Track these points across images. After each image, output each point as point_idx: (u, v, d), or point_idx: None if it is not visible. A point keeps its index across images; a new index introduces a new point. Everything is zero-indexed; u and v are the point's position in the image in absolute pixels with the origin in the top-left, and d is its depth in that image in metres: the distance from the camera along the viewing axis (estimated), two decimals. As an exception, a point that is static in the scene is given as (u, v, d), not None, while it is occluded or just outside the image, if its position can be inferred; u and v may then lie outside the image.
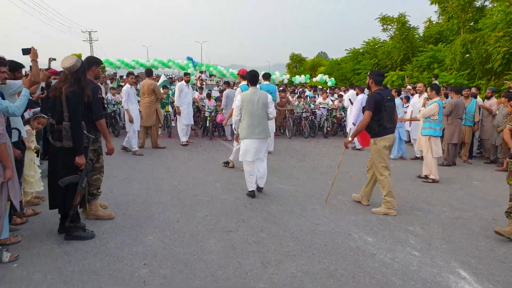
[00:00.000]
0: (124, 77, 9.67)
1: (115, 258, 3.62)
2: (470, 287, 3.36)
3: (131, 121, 8.59)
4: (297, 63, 53.63)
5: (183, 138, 10.02)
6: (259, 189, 5.83)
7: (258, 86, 6.37)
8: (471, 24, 23.15)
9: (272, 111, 5.72)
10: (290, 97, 13.51)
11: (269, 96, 5.77)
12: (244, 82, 7.30)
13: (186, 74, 9.58)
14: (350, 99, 11.01)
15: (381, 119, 4.94)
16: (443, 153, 8.11)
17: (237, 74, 7.44)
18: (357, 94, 10.40)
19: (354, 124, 9.75)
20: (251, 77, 5.72)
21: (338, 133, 13.28)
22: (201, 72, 23.35)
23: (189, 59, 18.75)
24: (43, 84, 5.85)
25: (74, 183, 3.87)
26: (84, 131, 3.92)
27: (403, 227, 4.71)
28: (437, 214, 5.28)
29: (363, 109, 5.15)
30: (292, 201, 5.56)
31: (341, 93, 14.69)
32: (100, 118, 4.38)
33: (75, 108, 3.75)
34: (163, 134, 11.52)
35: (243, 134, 5.61)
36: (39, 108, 5.31)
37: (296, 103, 12.95)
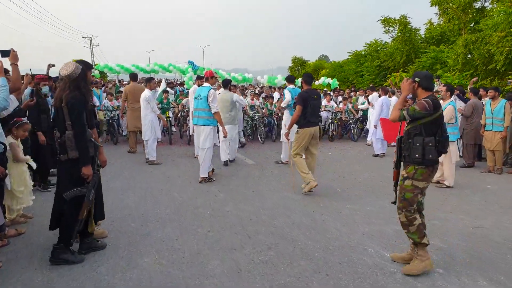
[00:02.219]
0: (144, 83, 9.34)
1: (105, 287, 3.24)
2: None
3: (165, 125, 8.84)
4: (299, 66, 53.42)
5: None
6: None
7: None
8: (472, 25, 22.88)
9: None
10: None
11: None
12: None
13: (199, 77, 9.06)
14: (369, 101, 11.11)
15: (306, 113, 5.88)
16: (461, 155, 8.03)
17: (205, 75, 6.97)
18: (379, 96, 10.14)
19: (375, 126, 9.56)
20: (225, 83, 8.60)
21: (344, 136, 12.94)
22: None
23: (190, 63, 18.39)
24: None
25: (80, 196, 3.56)
26: (91, 139, 3.64)
27: (422, 240, 4.33)
28: (454, 223, 4.90)
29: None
30: (301, 212, 5.19)
31: (345, 96, 14.34)
32: (92, 127, 4.07)
33: (77, 115, 3.49)
34: (164, 140, 11.17)
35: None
36: (25, 118, 4.94)
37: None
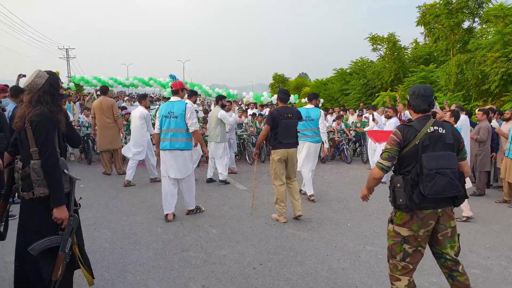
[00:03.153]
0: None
1: None
2: None
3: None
4: (280, 84, 53.26)
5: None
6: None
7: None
8: (459, 45, 22.90)
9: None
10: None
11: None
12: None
13: (194, 93, 8.14)
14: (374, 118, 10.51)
15: (277, 133, 5.37)
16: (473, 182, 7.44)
17: (173, 87, 5.62)
18: (388, 117, 9.74)
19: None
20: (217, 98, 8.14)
21: (335, 157, 12.21)
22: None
23: (172, 77, 17.48)
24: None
25: (52, 248, 2.61)
26: (65, 170, 2.69)
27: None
28: (499, 272, 4.09)
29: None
30: (313, 257, 4.28)
31: (340, 114, 13.71)
32: (64, 154, 3.15)
33: (45, 138, 2.57)
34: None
35: None
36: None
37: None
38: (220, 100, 8.28)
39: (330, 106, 23.78)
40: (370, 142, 11.79)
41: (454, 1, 21.88)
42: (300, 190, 6.92)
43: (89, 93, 17.97)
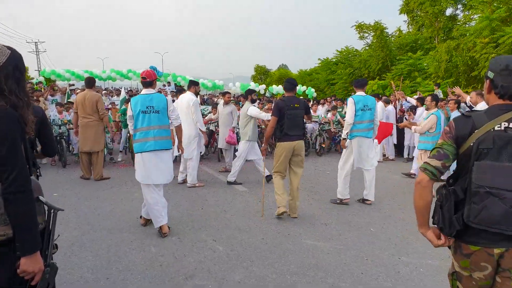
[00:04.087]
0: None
1: None
2: None
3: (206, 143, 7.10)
4: (262, 75, 52.43)
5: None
6: None
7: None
8: (443, 33, 22.62)
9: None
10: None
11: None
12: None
13: (194, 83, 7.17)
14: None
15: (283, 125, 5.03)
16: None
17: (146, 77, 4.66)
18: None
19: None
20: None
21: (332, 149, 11.52)
22: (164, 84, 20.94)
23: (153, 68, 16.37)
24: None
25: None
26: (39, 197, 1.84)
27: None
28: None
29: None
30: (347, 277, 3.52)
31: (334, 105, 13.05)
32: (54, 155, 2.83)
33: (8, 149, 1.66)
34: (126, 161, 9.22)
35: None
36: None
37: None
38: (250, 94, 7.34)
39: (317, 96, 23.15)
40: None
41: (438, -13, 21.56)
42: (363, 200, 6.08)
43: (63, 88, 16.73)
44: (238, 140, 8.14)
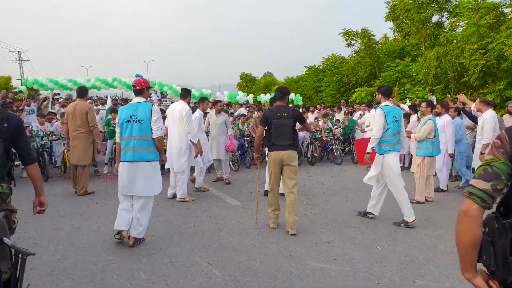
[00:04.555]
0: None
1: None
2: None
3: (201, 154, 6.61)
4: (248, 83, 52.26)
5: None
6: None
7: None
8: (429, 39, 22.77)
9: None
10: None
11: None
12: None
13: (187, 92, 7.03)
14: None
15: (270, 134, 4.93)
16: None
17: (137, 85, 4.58)
18: (438, 114, 8.53)
19: (451, 156, 7.41)
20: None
21: (324, 158, 11.28)
22: (150, 93, 20.47)
23: (139, 76, 15.92)
24: None
25: None
26: (3, 239, 1.56)
27: None
28: None
29: None
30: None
31: (325, 112, 12.84)
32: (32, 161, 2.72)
33: None
34: (110, 173, 8.77)
35: None
36: None
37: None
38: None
39: (305, 104, 22.98)
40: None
41: (423, -5, 21.74)
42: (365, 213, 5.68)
43: (47, 97, 16.20)
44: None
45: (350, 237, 4.82)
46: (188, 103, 6.63)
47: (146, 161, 4.44)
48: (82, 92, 7.20)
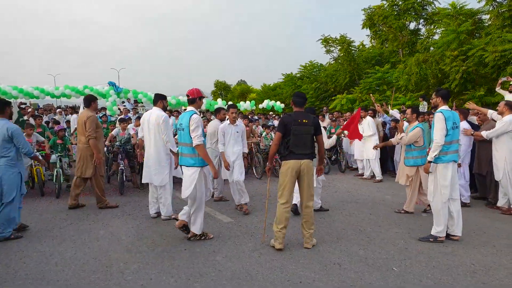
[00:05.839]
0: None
1: None
2: None
3: (227, 168, 6.32)
4: (222, 90, 51.80)
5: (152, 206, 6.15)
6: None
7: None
8: (407, 46, 22.98)
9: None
10: (255, 127, 10.81)
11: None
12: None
13: (217, 110, 6.93)
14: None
15: (288, 142, 4.56)
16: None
17: (190, 95, 4.92)
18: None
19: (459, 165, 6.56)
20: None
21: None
22: (123, 101, 19.62)
23: (112, 84, 15.17)
24: None
25: None
26: None
27: None
28: None
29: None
30: None
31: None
32: None
33: None
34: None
35: None
36: None
37: (264, 133, 10.26)
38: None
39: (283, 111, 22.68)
40: (347, 148, 10.88)
41: (401, 3, 21.88)
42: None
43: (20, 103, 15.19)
44: None
45: (360, 257, 4.35)
46: (164, 109, 6.01)
47: (186, 166, 4.80)
48: (88, 100, 6.64)
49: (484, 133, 6.24)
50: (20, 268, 4.07)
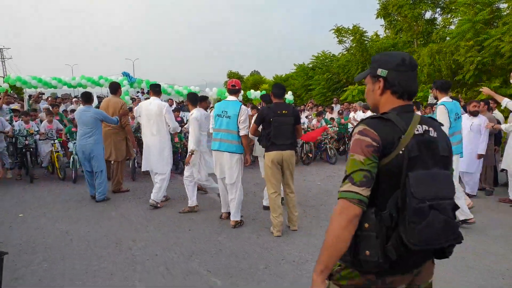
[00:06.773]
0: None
1: None
2: None
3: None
4: (234, 81, 51.91)
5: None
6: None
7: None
8: (422, 37, 22.72)
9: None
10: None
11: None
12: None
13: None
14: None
15: (269, 133, 4.70)
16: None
17: (229, 86, 5.20)
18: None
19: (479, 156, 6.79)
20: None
21: (317, 157, 11.06)
22: (138, 91, 20.02)
23: (125, 74, 15.51)
24: None
25: None
26: None
27: None
28: None
29: None
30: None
31: (320, 110, 12.66)
32: None
33: None
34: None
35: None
36: None
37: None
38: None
39: (294, 102, 22.79)
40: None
41: (416, -9, 21.64)
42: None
43: (33, 95, 15.79)
44: None
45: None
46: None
47: (229, 152, 4.99)
48: (115, 88, 7.09)
49: (504, 126, 6.24)
50: (39, 243, 4.46)
